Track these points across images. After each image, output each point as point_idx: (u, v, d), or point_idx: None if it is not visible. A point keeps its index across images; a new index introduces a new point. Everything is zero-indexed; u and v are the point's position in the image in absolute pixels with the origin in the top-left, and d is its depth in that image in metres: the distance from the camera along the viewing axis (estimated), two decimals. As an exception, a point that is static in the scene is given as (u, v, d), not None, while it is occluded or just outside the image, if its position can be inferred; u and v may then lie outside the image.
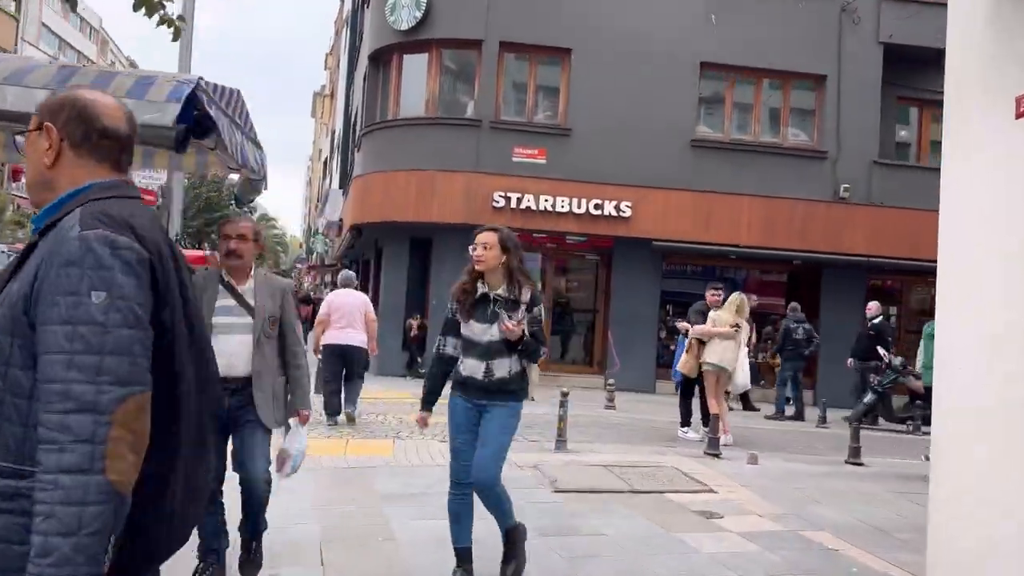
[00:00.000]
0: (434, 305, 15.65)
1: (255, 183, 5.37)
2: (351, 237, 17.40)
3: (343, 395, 9.22)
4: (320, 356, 9.02)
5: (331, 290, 13.36)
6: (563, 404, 8.01)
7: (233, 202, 13.64)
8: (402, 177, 15.34)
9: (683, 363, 9.53)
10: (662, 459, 7.88)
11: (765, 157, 16.09)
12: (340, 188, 24.05)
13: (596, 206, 15.20)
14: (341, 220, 21.72)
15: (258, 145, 5.25)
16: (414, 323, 15.59)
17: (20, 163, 4.41)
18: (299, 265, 60.90)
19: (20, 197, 48.10)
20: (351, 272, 10.12)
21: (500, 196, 15.01)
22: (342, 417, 9.17)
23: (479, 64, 15.53)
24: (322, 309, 9.42)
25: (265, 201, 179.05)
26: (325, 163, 44.10)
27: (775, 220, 15.72)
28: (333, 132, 40.50)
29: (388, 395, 12.56)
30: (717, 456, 8.14)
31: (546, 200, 15.09)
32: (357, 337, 8.95)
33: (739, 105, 16.64)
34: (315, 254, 44.44)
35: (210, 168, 5.62)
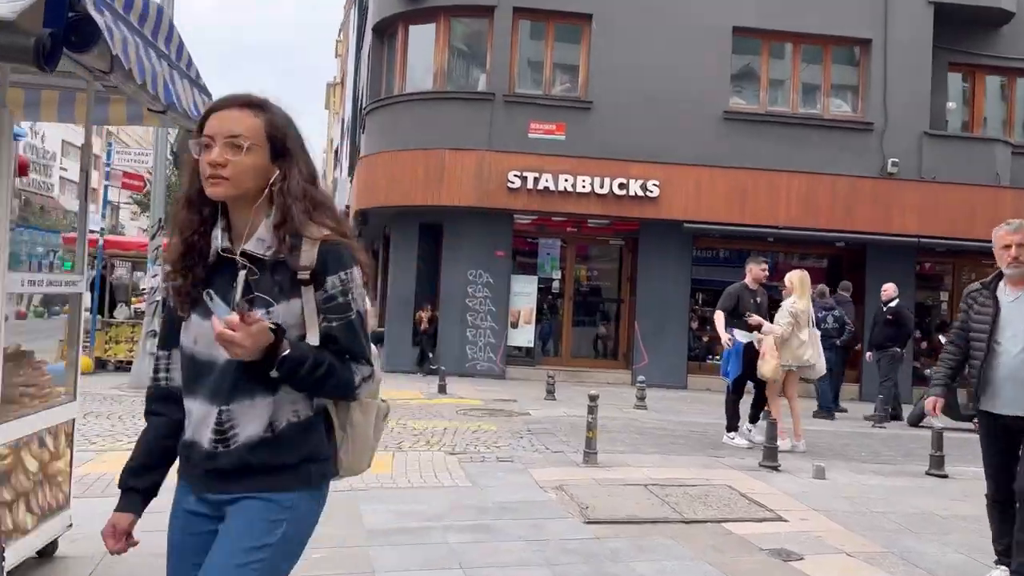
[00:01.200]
0: (446, 296, 14.45)
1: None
2: (356, 224, 16.26)
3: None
4: None
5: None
6: (592, 410, 6.76)
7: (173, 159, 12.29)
8: (409, 157, 14.12)
9: (766, 366, 8.05)
10: (711, 474, 6.63)
11: (805, 130, 14.71)
12: (349, 175, 22.91)
13: (620, 186, 13.90)
14: (348, 207, 20.58)
15: (203, 90, 4.05)
16: (424, 315, 14.41)
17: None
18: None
19: (28, 191, 47.41)
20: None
21: (515, 176, 13.76)
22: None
23: (491, 32, 14.25)
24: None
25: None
26: (336, 152, 43.00)
27: (816, 198, 14.35)
28: (343, 119, 39.36)
29: (394, 395, 11.38)
30: (775, 468, 6.88)
31: (566, 180, 13.82)
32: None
33: (776, 73, 15.25)
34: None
35: (149, 120, 4.43)
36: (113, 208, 38.48)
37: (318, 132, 67.65)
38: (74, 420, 4.20)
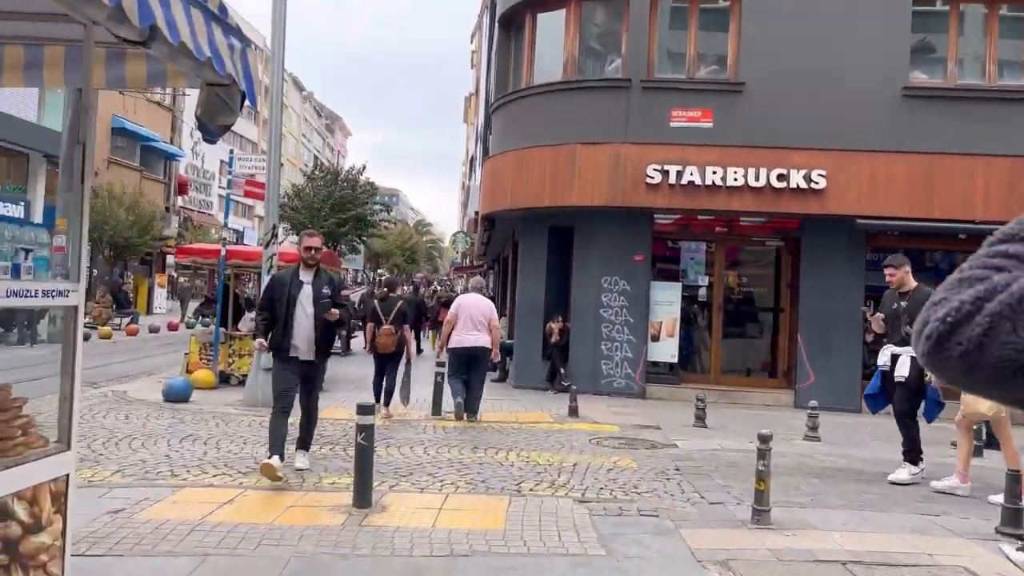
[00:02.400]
0: (578, 305, 13.11)
1: (228, 93, 3.07)
2: (484, 230, 15.25)
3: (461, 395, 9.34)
4: (445, 355, 9.77)
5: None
6: (764, 454, 5.20)
7: (200, 132, 11.58)
8: (537, 155, 12.91)
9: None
10: (932, 545, 4.90)
11: (1005, 106, 12.30)
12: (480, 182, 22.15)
13: (779, 177, 12.07)
14: (477, 214, 19.72)
15: (230, 28, 2.95)
16: (555, 327, 13.11)
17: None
18: (453, 269, 60.36)
19: (188, 209, 50.22)
20: (481, 278, 11.31)
21: (655, 170, 12.23)
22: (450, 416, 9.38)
23: (627, 14, 12.82)
24: (450, 311, 9.81)
25: (422, 207, 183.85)
26: (471, 162, 42.77)
27: (1022, 187, 11.93)
28: (476, 128, 38.99)
29: (518, 417, 10.15)
30: (1021, 538, 5.05)
31: (714, 172, 12.15)
32: (481, 339, 9.30)
33: (967, 41, 12.91)
34: (458, 254, 43.23)
35: (171, 79, 3.40)
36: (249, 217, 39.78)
37: (461, 147, 68.32)
38: (68, 477, 3.15)
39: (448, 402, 10.06)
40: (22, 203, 29.84)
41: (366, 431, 5.45)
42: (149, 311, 33.74)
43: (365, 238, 21.56)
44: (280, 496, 5.75)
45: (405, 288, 23.61)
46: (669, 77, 12.82)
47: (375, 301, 10.35)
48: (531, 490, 6.07)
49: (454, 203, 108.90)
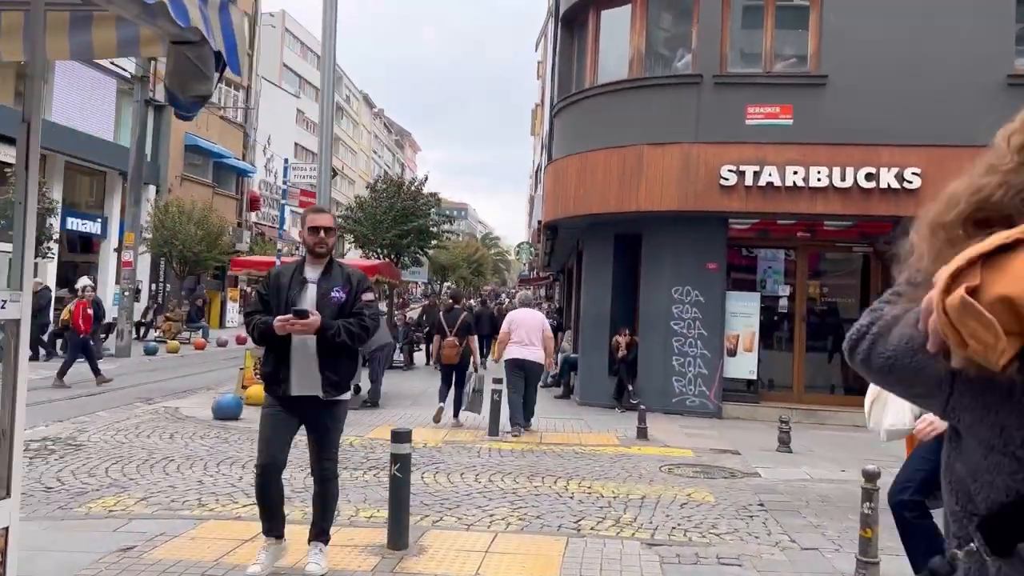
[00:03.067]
0: (647, 317, 12.28)
1: (200, 56, 2.47)
2: (547, 239, 14.57)
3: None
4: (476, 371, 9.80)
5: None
6: (871, 495, 4.31)
7: (171, 105, 11.17)
8: (601, 158, 12.16)
9: None
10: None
11: None
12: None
13: (868, 176, 11.03)
14: (540, 223, 19.06)
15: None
16: (622, 340, 12.30)
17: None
18: (519, 281, 59.87)
19: (261, 225, 51.14)
20: (529, 292, 11.25)
21: (730, 171, 11.34)
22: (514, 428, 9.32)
23: (697, 5, 11.99)
24: (503, 326, 9.86)
25: (490, 220, 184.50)
26: (537, 173, 42.21)
27: None
28: (542, 138, 38.44)
29: (581, 439, 9.38)
30: None
31: (795, 172, 11.19)
32: (535, 352, 9.44)
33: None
34: (525, 266, 42.61)
35: (145, 46, 2.83)
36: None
37: (528, 160, 68.20)
38: (7, 531, 2.56)
39: (505, 420, 9.45)
40: (99, 220, 30.65)
41: (402, 462, 4.81)
42: (222, 325, 34.21)
43: (428, 250, 21.04)
44: (307, 532, 5.16)
45: (472, 301, 23.21)
46: (744, 72, 11.93)
47: (440, 313, 10.62)
48: (592, 529, 5.32)
49: (522, 216, 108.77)
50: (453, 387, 10.05)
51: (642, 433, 9.48)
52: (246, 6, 40.10)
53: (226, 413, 10.00)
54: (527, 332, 9.38)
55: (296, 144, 67.67)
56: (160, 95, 33.52)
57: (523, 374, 9.42)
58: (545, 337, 9.49)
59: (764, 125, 11.49)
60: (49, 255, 18.22)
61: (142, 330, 25.88)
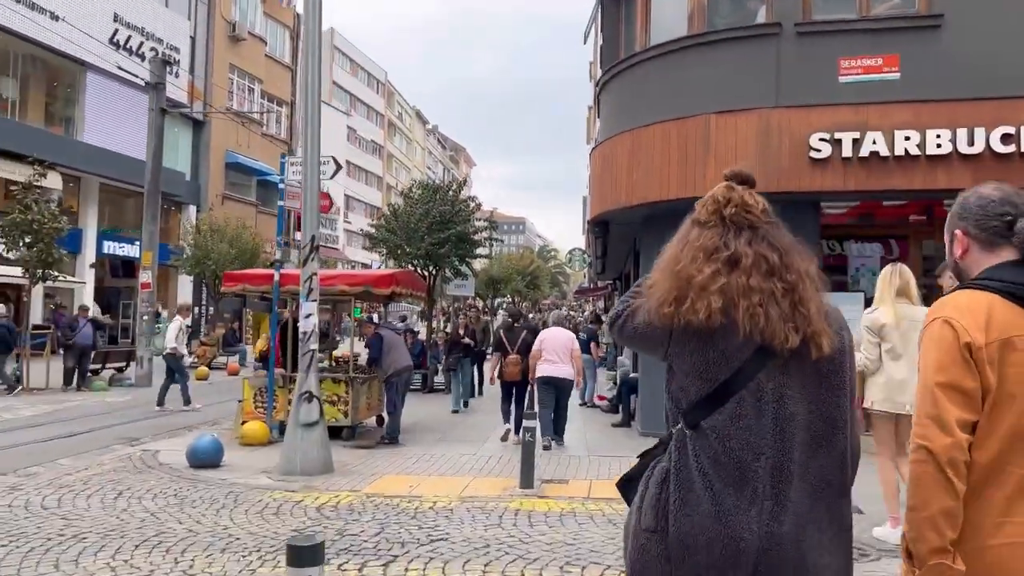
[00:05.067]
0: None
1: None
2: (596, 238, 12.40)
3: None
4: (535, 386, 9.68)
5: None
6: None
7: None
8: (658, 133, 9.98)
9: None
10: None
11: None
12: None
13: (1005, 138, 8.58)
14: (588, 224, 16.90)
15: None
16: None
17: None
18: (575, 293, 57.55)
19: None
20: (560, 311, 12.14)
21: (822, 140, 9.03)
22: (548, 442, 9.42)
23: (770, -58, 9.74)
24: (535, 345, 9.78)
25: (548, 233, 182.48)
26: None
27: None
28: (596, 139, 36.30)
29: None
30: None
31: (907, 138, 8.81)
32: (566, 370, 9.53)
33: None
34: (585, 278, 40.40)
35: None
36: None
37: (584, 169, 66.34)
38: None
39: (543, 471, 7.39)
40: (138, 243, 29.63)
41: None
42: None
43: (469, 260, 19.02)
44: None
45: (530, 316, 21.26)
46: (834, 18, 9.57)
47: (501, 331, 10.86)
48: None
49: (579, 228, 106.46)
50: (514, 405, 10.17)
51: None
52: (286, 18, 39.19)
53: (202, 460, 8.13)
54: (555, 349, 9.50)
55: (348, 162, 67.03)
56: (198, 111, 32.69)
57: (554, 391, 9.60)
58: (573, 354, 9.65)
59: (863, 81, 9.14)
60: (51, 279, 16.81)
61: (177, 356, 24.62)
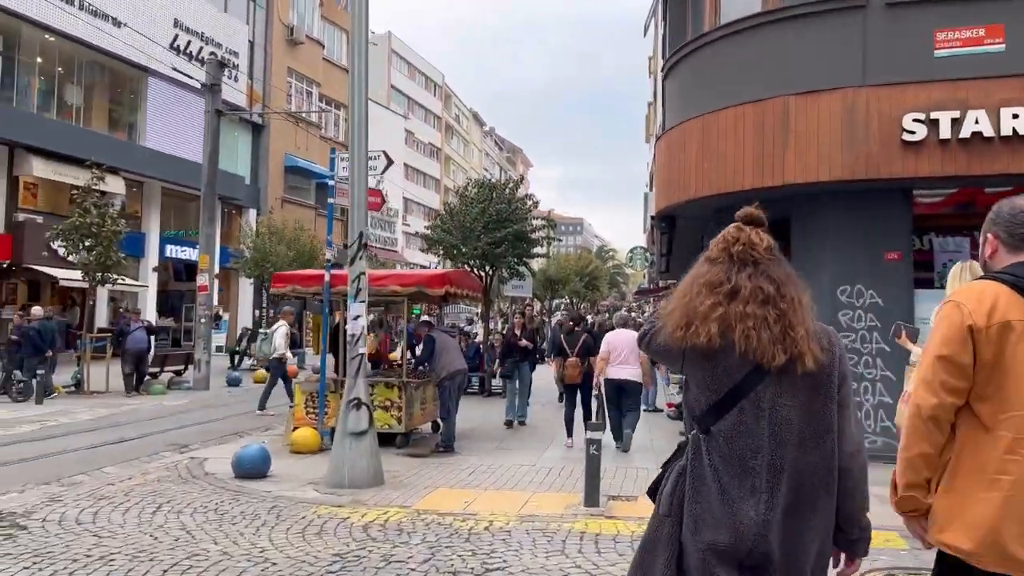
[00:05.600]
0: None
1: None
2: (661, 234, 11.65)
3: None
4: (601, 389, 9.58)
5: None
6: None
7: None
8: (730, 119, 9.22)
9: None
10: None
11: None
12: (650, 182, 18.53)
13: None
14: (652, 219, 16.12)
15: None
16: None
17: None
18: (636, 294, 56.45)
19: (371, 247, 50.23)
20: (625, 313, 11.45)
21: (916, 121, 8.15)
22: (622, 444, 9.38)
23: (853, -94, 8.88)
24: (602, 348, 9.65)
25: (606, 234, 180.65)
26: (651, 176, 39.07)
27: None
28: (656, 137, 35.36)
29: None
30: None
31: (1015, 116, 7.88)
32: (632, 372, 9.40)
33: None
34: (645, 278, 39.39)
35: None
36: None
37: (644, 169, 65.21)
38: None
39: (607, 485, 6.74)
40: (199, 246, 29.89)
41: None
42: (333, 350, 32.92)
43: (526, 260, 18.41)
44: None
45: (589, 318, 20.62)
46: (927, -14, 8.69)
47: (561, 335, 10.96)
48: None
49: (639, 227, 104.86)
50: (578, 407, 10.24)
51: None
52: (343, 21, 39.25)
53: (248, 471, 7.73)
54: (622, 352, 9.33)
55: (406, 165, 67.28)
56: (257, 113, 32.92)
57: (620, 393, 9.48)
58: (642, 358, 9.39)
59: (962, 55, 8.24)
60: (110, 282, 16.83)
61: (236, 359, 24.69)
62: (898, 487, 2.22)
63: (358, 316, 7.49)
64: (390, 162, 10.22)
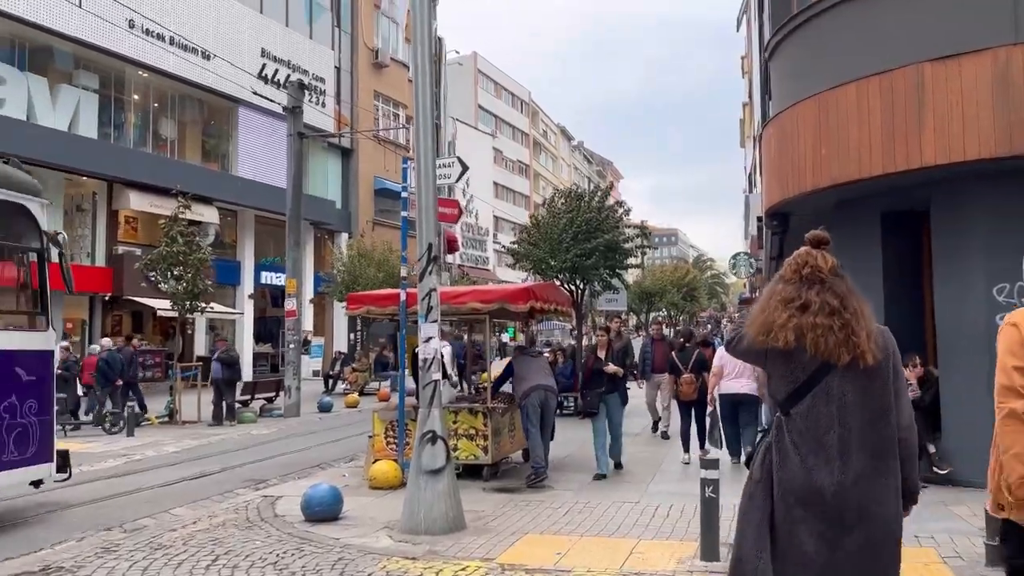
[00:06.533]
0: (948, 338, 7.80)
1: None
2: (772, 234, 10.37)
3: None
4: (716, 405, 9.33)
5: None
6: None
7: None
8: (852, 95, 7.96)
9: None
10: None
11: None
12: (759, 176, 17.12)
13: None
14: (760, 220, 14.75)
15: None
16: (910, 374, 7.85)
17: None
18: (739, 304, 54.05)
19: (465, 267, 50.15)
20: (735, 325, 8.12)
21: (1091, 81, 6.72)
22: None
23: None
24: (715, 361, 9.46)
25: (702, 244, 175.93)
26: (750, 177, 37.17)
27: None
28: (753, 137, 33.54)
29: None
30: None
31: None
32: (748, 385, 9.02)
33: None
34: (745, 287, 37.42)
35: None
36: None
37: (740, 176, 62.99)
38: None
39: (729, 530, 5.60)
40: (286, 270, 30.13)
41: None
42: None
43: (619, 271, 17.30)
44: None
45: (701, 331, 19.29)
46: (1093, -81, 7.23)
47: (673, 352, 10.72)
48: None
49: (737, 236, 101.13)
50: (694, 422, 10.08)
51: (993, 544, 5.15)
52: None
53: (316, 513, 6.98)
54: (738, 365, 8.81)
55: (495, 183, 67.13)
56: (346, 140, 33.13)
57: (738, 408, 9.14)
58: (756, 370, 8.40)
59: None
60: (199, 310, 16.74)
61: (330, 383, 24.52)
62: (1011, 481, 2.53)
63: (430, 338, 6.65)
64: (465, 168, 9.41)
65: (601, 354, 9.11)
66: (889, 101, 7.55)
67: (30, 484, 7.35)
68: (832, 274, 2.74)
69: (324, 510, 7.03)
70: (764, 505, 2.67)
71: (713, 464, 5.32)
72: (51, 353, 7.68)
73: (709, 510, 5.32)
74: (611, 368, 8.95)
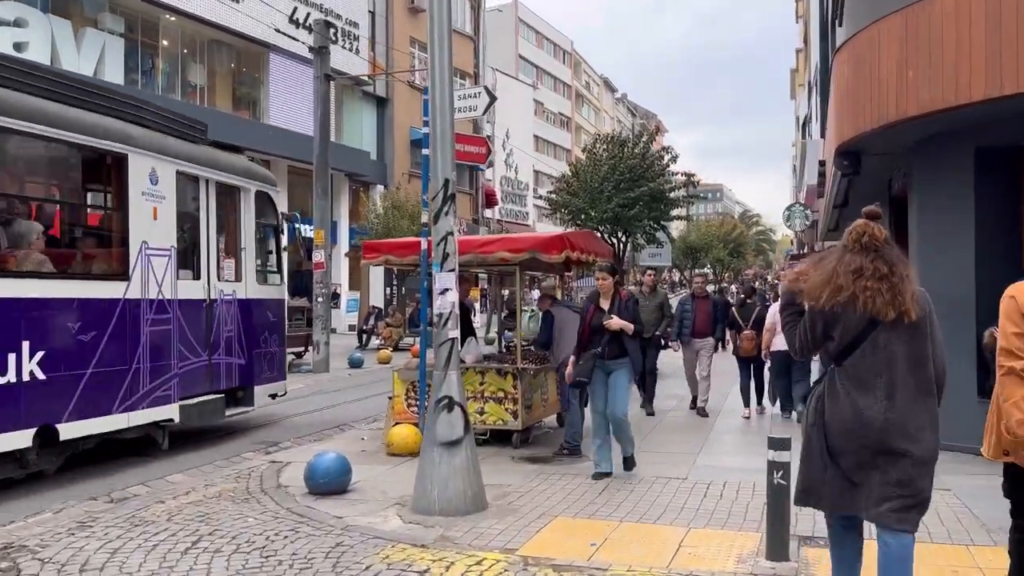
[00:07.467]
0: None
1: None
2: (843, 176, 9.17)
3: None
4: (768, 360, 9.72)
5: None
6: None
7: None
8: (947, 6, 6.71)
9: None
10: None
11: None
12: (821, 120, 15.66)
13: None
14: (822, 165, 13.43)
15: None
16: (993, 330, 6.68)
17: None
18: (788, 261, 52.23)
19: (504, 221, 49.09)
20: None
21: None
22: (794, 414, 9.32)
23: None
24: (768, 318, 9.51)
25: (748, 200, 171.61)
26: (804, 125, 35.26)
27: None
28: (808, 81, 31.63)
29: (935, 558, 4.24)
30: None
31: None
32: None
33: None
34: (793, 243, 35.77)
35: None
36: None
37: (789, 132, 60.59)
38: None
39: (796, 520, 4.65)
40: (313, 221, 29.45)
41: None
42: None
43: (664, 223, 16.18)
44: None
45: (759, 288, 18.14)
46: None
47: (732, 308, 10.86)
48: None
49: (784, 192, 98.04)
50: (752, 379, 10.29)
51: None
52: (464, -14, 37.73)
53: (320, 486, 6.21)
54: None
55: (536, 136, 65.50)
56: (381, 89, 32.08)
57: (791, 364, 9.22)
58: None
59: None
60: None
61: (363, 338, 23.91)
62: (1012, 424, 2.96)
63: (446, 289, 5.73)
64: (493, 99, 8.38)
65: (604, 304, 6.68)
66: (996, 8, 6.30)
67: (269, 396, 9.71)
68: (885, 244, 3.31)
69: (329, 482, 6.26)
70: (820, 442, 3.28)
71: (784, 444, 4.34)
72: (284, 301, 10.51)
73: (778, 499, 4.36)
74: (616, 322, 6.49)
